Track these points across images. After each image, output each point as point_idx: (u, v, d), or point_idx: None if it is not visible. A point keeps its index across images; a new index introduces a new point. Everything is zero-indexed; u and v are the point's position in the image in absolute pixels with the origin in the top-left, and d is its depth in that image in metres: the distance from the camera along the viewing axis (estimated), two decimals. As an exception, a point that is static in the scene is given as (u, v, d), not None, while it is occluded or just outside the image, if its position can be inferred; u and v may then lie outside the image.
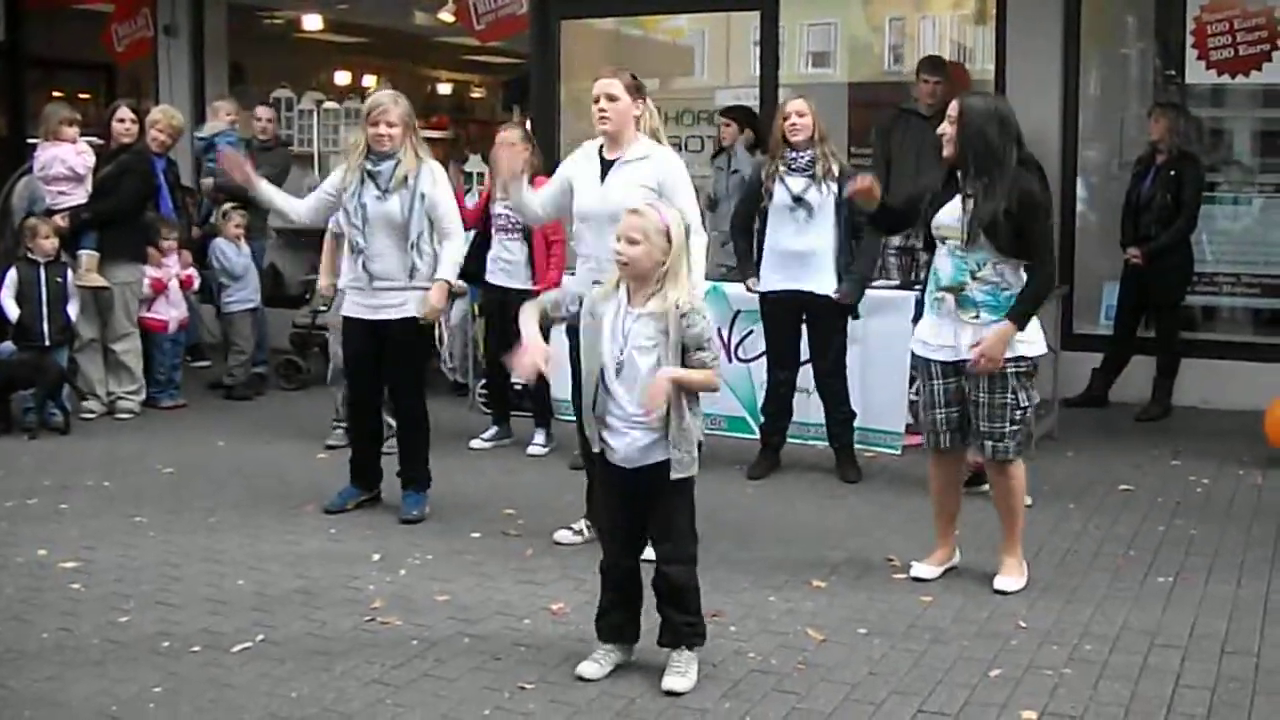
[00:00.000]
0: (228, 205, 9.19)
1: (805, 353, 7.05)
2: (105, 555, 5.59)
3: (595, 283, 4.65)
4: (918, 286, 6.65)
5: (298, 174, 10.54)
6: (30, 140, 10.20)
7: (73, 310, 8.18)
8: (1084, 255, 9.15)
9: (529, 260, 7.37)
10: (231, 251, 9.04)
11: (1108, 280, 9.05)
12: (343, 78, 12.82)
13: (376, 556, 5.59)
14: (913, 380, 6.86)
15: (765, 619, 4.84)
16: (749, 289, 7.02)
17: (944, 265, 5.08)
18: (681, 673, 4.21)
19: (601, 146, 5.58)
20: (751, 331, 7.58)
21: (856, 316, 6.95)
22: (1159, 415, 8.48)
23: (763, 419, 7.19)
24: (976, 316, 5.02)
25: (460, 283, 6.63)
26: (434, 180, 6.06)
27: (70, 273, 8.21)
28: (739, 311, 7.61)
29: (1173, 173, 8.43)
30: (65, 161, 8.36)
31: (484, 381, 8.16)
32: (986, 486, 5.89)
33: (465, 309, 8.47)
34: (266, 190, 6.19)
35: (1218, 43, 8.69)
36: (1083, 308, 9.13)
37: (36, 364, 7.93)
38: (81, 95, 12.86)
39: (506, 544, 5.79)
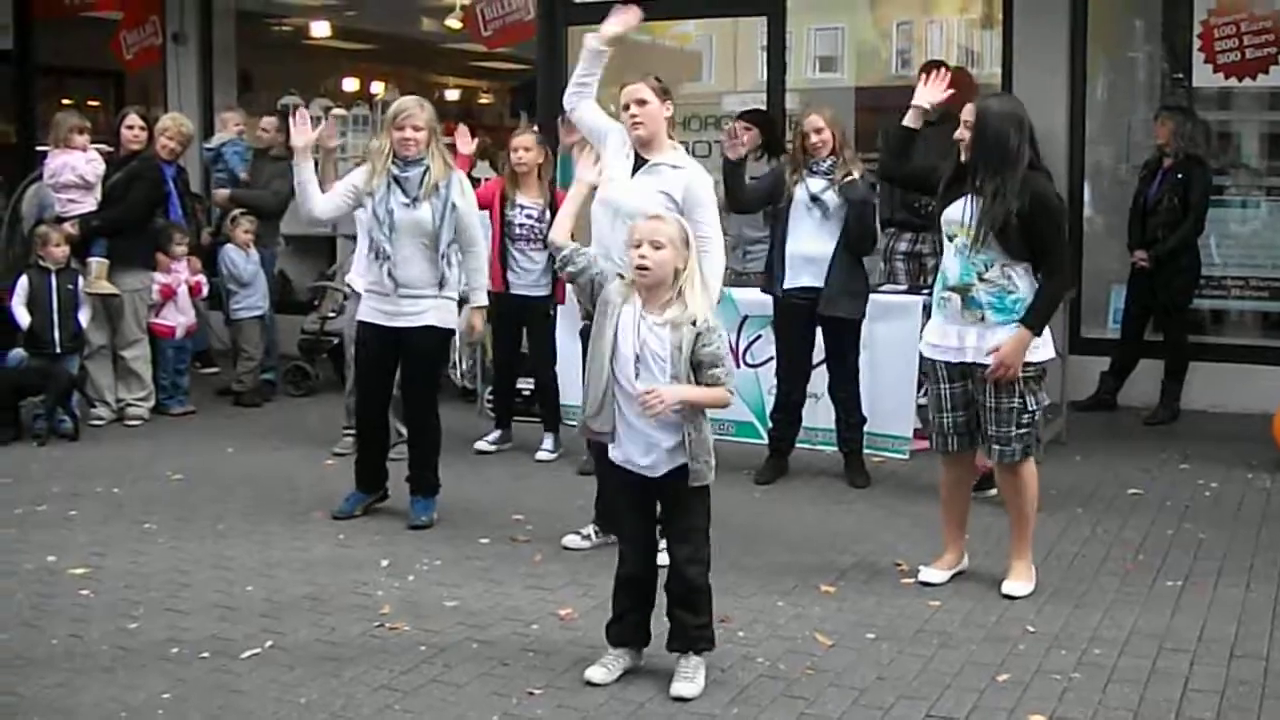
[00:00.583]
0: (236, 211, 9.22)
1: (814, 357, 7.06)
2: (114, 562, 5.60)
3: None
4: (925, 291, 6.68)
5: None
6: (40, 148, 10.22)
7: (83, 317, 8.20)
8: (1091, 259, 9.14)
9: (549, 267, 7.33)
10: (240, 258, 9.06)
11: (1115, 284, 9.05)
12: (351, 84, 12.82)
13: (385, 562, 5.60)
14: (922, 384, 6.90)
15: (773, 624, 4.84)
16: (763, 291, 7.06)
17: (952, 265, 5.08)
18: (690, 678, 4.21)
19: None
20: (759, 336, 7.59)
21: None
22: (1167, 419, 8.48)
23: (771, 424, 7.20)
24: (982, 318, 5.01)
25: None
26: (463, 191, 6.09)
27: (80, 280, 8.23)
28: (747, 316, 7.62)
29: (1180, 176, 8.42)
30: (75, 169, 8.39)
31: (491, 387, 8.17)
32: (994, 491, 5.91)
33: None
34: (305, 171, 6.09)
35: (1224, 46, 8.70)
36: (1090, 311, 9.12)
37: (47, 371, 7.96)
38: (91, 103, 12.91)
39: (515, 550, 5.79)
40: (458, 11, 11.14)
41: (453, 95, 13.08)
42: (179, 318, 8.81)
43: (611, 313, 4.19)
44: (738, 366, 7.59)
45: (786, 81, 9.81)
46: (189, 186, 9.66)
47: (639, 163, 5.54)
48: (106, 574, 5.44)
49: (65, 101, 12.23)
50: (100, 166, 8.47)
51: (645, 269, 4.12)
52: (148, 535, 6.02)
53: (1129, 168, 9.31)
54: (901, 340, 7.15)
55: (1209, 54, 8.75)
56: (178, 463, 7.35)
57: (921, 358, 5.39)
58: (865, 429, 7.09)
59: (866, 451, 7.14)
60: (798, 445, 7.19)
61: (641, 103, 5.47)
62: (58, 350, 8.09)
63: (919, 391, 7.16)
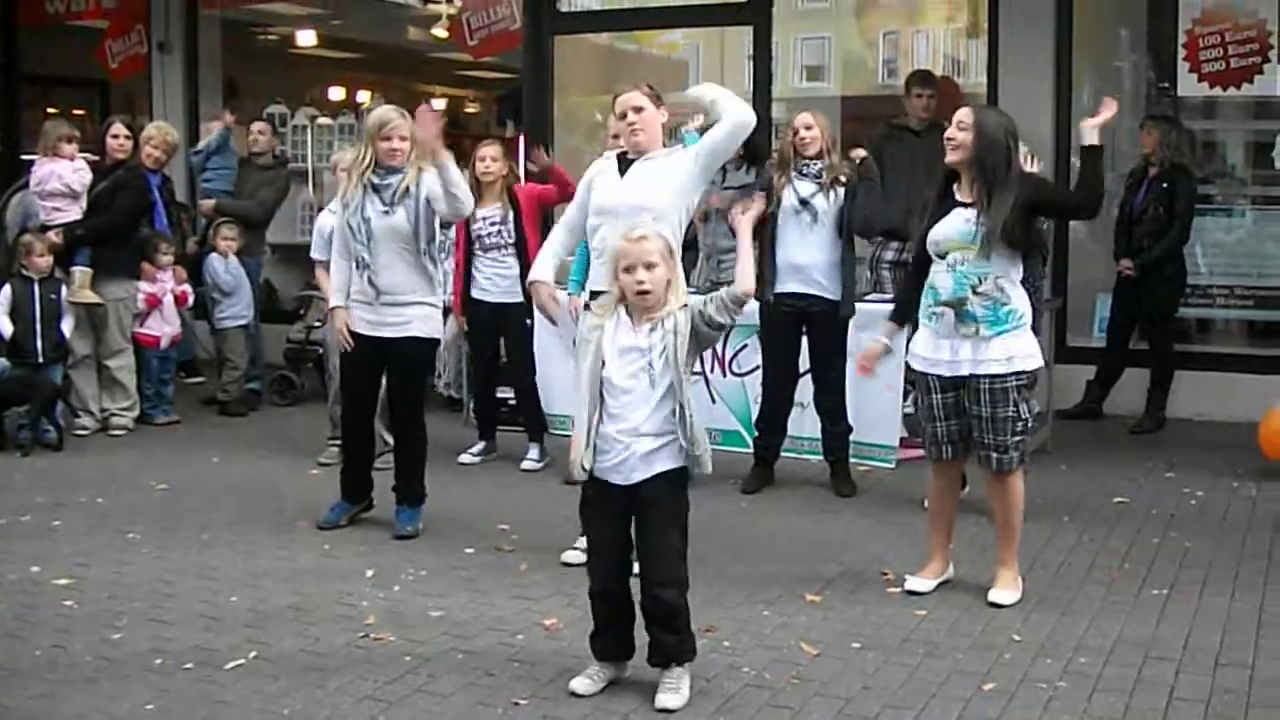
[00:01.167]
0: (218, 220, 9.20)
1: (800, 366, 7.06)
2: (98, 572, 5.58)
3: (595, 294, 4.64)
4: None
5: (294, 192, 10.54)
6: (25, 157, 10.19)
7: (66, 327, 8.17)
8: (1077, 268, 9.17)
9: (524, 273, 7.30)
10: (222, 267, 9.04)
11: (1101, 293, 9.07)
12: (336, 93, 12.84)
13: (370, 572, 5.58)
14: (908, 393, 6.90)
15: (759, 633, 4.83)
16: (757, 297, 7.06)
17: (943, 280, 5.08)
18: (674, 689, 4.20)
19: (622, 153, 5.59)
20: (745, 345, 7.59)
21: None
22: (1153, 428, 8.49)
23: (756, 433, 7.19)
24: (977, 331, 5.02)
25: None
26: (433, 179, 6.01)
27: (64, 289, 8.20)
28: (732, 325, 7.60)
29: (1165, 185, 8.45)
30: (61, 178, 8.37)
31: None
32: (965, 490, 5.90)
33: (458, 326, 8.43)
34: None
35: (1209, 55, 8.73)
36: (1076, 320, 9.14)
37: (30, 380, 7.92)
38: (76, 112, 12.87)
39: (500, 559, 5.78)
40: (444, 20, 11.13)
41: (439, 104, 13.08)
42: (164, 327, 8.79)
43: (594, 349, 4.19)
44: (724, 375, 7.59)
45: (773, 91, 9.81)
46: (174, 196, 9.64)
47: (625, 164, 5.54)
48: (90, 584, 5.42)
49: (50, 110, 12.20)
50: (86, 175, 8.45)
51: (646, 292, 4.14)
52: (132, 545, 5.99)
53: (1115, 176, 9.32)
54: (887, 349, 7.15)
55: (1194, 63, 8.79)
56: (162, 473, 7.33)
57: (910, 369, 5.39)
58: (851, 438, 7.09)
59: (852, 460, 7.14)
60: (783, 454, 7.18)
61: (638, 110, 5.47)
62: (41, 360, 8.06)
63: (905, 400, 7.17)
